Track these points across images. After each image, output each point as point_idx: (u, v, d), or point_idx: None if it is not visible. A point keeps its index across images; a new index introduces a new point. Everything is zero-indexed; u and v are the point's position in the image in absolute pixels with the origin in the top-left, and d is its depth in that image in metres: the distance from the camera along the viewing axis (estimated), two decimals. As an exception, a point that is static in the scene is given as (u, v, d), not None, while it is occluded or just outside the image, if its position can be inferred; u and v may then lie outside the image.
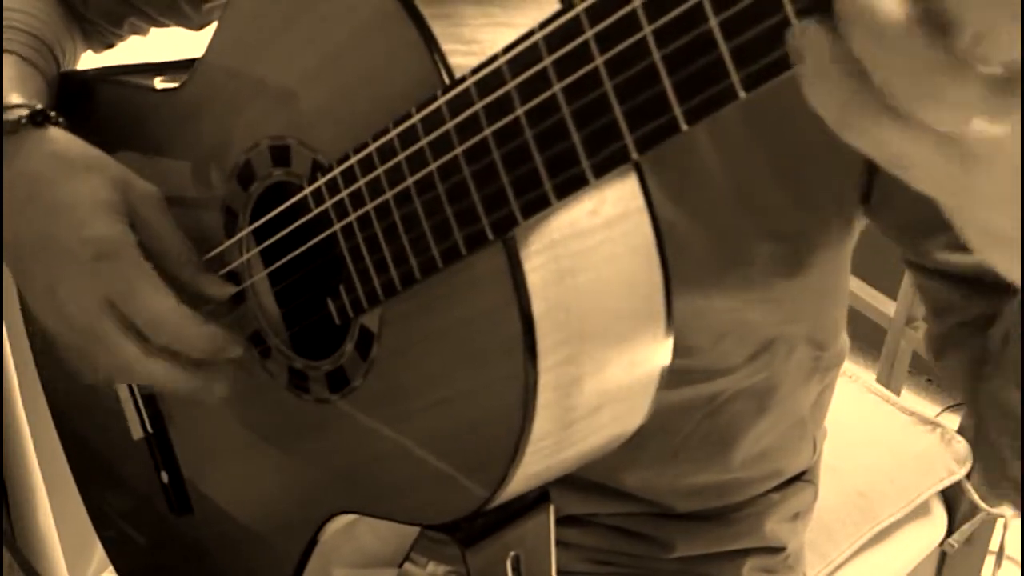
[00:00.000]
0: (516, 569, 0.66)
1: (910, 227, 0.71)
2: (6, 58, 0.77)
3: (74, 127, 0.72)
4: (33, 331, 0.96)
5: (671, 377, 0.63)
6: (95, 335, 0.66)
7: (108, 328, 0.66)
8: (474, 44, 0.56)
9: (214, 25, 0.70)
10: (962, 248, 0.46)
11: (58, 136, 0.70)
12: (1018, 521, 1.31)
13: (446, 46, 0.54)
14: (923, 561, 1.25)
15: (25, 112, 0.70)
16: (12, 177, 0.69)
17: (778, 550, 0.97)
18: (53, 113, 0.71)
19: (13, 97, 0.71)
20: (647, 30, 0.42)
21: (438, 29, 0.55)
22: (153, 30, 0.94)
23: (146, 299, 0.65)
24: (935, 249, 0.70)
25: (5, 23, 0.80)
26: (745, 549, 0.95)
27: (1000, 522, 1.28)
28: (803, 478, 0.98)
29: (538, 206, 0.50)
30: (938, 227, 0.64)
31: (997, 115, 0.35)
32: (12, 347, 1.26)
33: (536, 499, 0.67)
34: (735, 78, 0.40)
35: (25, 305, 0.95)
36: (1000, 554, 1.30)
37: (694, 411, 0.86)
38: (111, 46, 0.96)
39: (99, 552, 1.33)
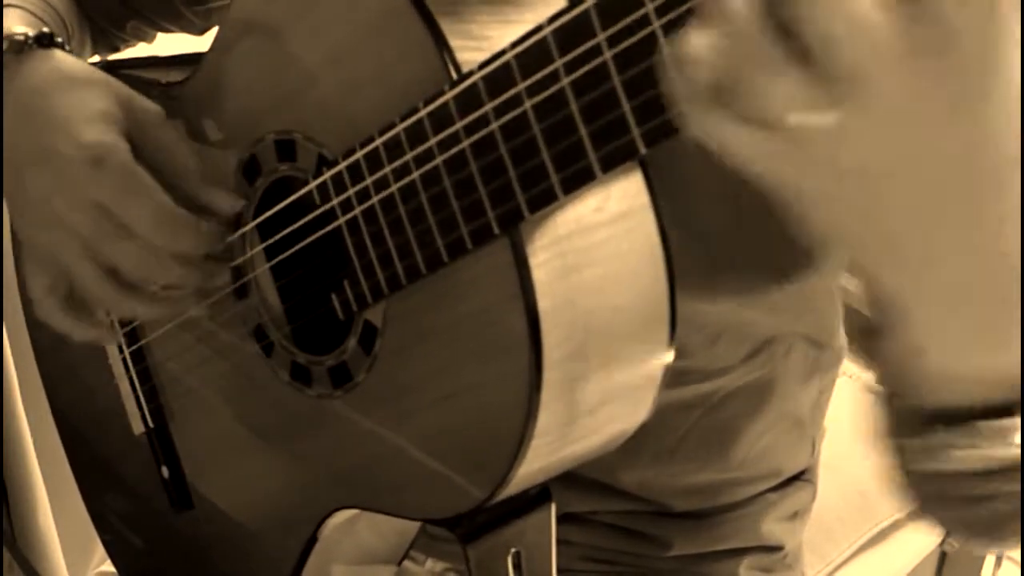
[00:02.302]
0: (517, 566, 0.66)
1: None
2: (14, 12, 0.77)
3: None
4: (35, 329, 0.96)
5: (667, 378, 0.63)
6: (88, 245, 0.66)
7: (102, 233, 0.65)
8: (483, 40, 0.56)
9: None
10: None
11: (62, 56, 0.70)
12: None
13: (454, 42, 0.55)
14: (923, 561, 1.25)
15: (32, 33, 0.70)
16: (15, 94, 0.69)
17: (776, 549, 0.97)
18: (60, 39, 0.71)
19: (19, 26, 0.72)
20: (656, 25, 0.42)
21: (446, 25, 0.55)
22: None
23: (142, 198, 0.65)
24: None
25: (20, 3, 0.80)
26: (743, 548, 0.94)
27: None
28: (802, 478, 0.98)
29: (545, 200, 0.50)
30: None
31: (815, 108, 0.36)
32: (12, 347, 1.26)
33: (537, 496, 0.67)
34: None
35: (28, 305, 0.95)
36: (1000, 554, 1.30)
37: (691, 409, 0.86)
38: (116, 50, 0.96)
39: (99, 552, 1.32)
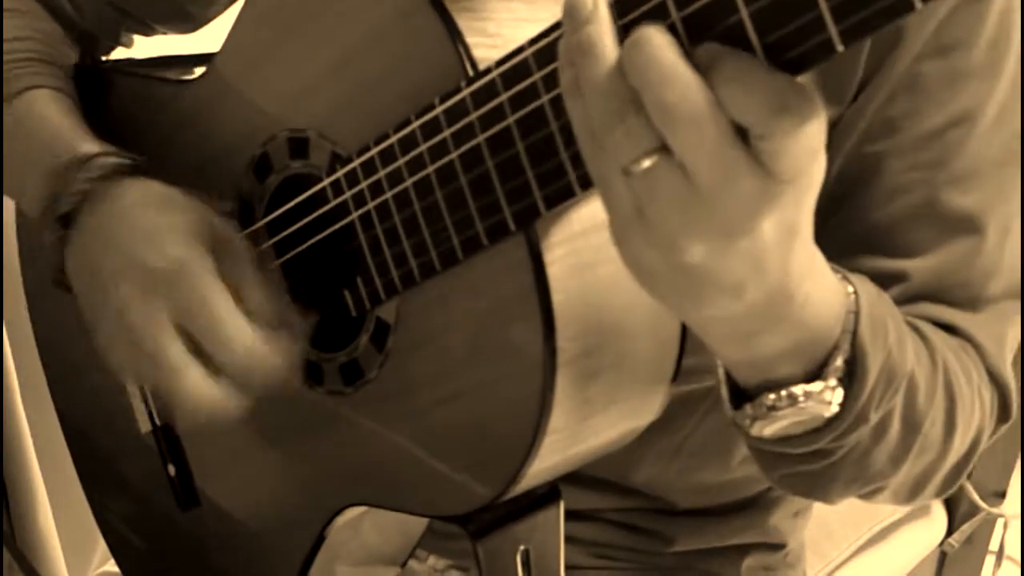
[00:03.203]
0: (525, 563, 0.66)
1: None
2: (43, 94, 0.79)
3: (90, 120, 0.72)
4: (40, 327, 0.96)
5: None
6: (159, 355, 0.65)
7: (174, 347, 0.64)
8: (498, 38, 0.56)
9: (219, 20, 0.70)
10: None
11: (148, 181, 0.71)
12: (1018, 521, 1.31)
13: (470, 39, 0.55)
14: (923, 561, 1.25)
15: (119, 161, 0.72)
16: (104, 216, 0.70)
17: (778, 547, 0.97)
18: (140, 164, 0.72)
19: (92, 144, 0.73)
20: (675, 16, 0.42)
21: (463, 22, 0.55)
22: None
23: (221, 315, 0.64)
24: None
25: (19, 55, 0.81)
26: (746, 545, 0.95)
27: (1000, 522, 1.29)
28: (804, 477, 0.98)
29: (562, 197, 0.50)
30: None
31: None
32: (12, 347, 1.26)
33: (547, 494, 0.67)
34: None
35: (32, 304, 0.95)
36: (1000, 554, 1.31)
37: (697, 406, 0.86)
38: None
39: (99, 552, 1.32)
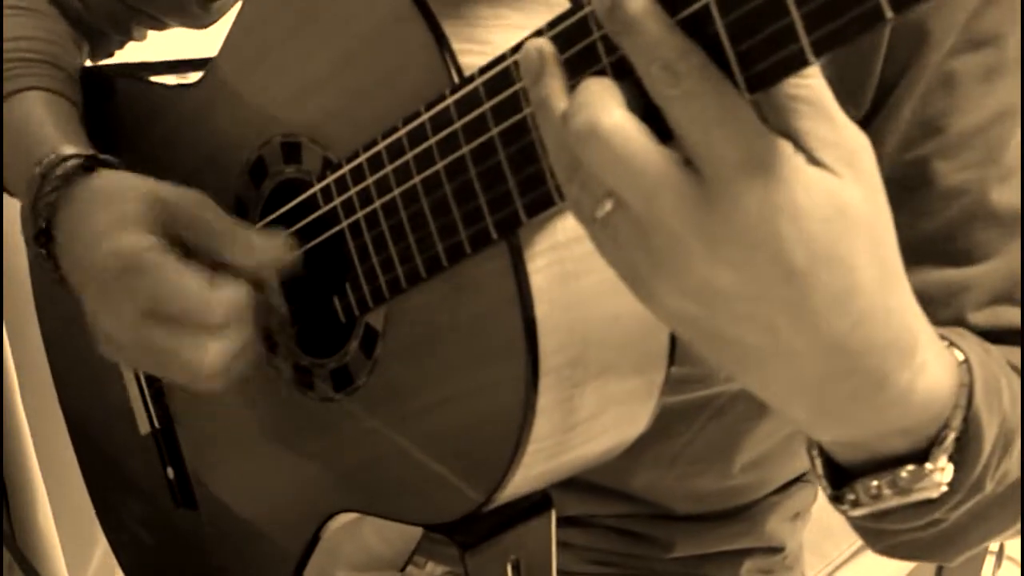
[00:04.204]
0: (516, 573, 0.66)
1: None
2: (34, 95, 0.78)
3: (91, 122, 0.72)
4: (46, 326, 0.96)
5: (670, 384, 0.63)
6: (148, 349, 0.65)
7: (157, 336, 0.64)
8: (487, 45, 0.56)
9: (221, 22, 0.70)
10: None
11: (101, 175, 0.70)
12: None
13: (457, 45, 0.55)
14: (923, 561, 1.25)
15: (76, 161, 0.71)
16: (68, 224, 0.70)
17: (777, 550, 0.97)
18: (103, 156, 0.72)
19: (66, 147, 0.73)
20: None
21: (450, 29, 0.55)
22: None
23: (176, 288, 0.64)
24: None
25: (20, 55, 0.81)
26: (744, 549, 0.95)
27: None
28: (803, 478, 0.98)
29: (542, 206, 0.50)
30: None
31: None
32: (12, 347, 1.26)
33: (537, 503, 0.67)
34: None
35: (39, 305, 0.96)
36: (1000, 554, 1.31)
37: (696, 415, 0.86)
38: (111, 55, 0.95)
39: (99, 552, 1.33)
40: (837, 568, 1.19)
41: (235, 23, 0.69)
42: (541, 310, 0.54)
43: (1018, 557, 1.40)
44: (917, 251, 0.67)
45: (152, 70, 0.83)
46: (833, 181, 0.41)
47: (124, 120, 0.81)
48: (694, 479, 0.89)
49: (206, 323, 0.64)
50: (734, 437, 0.88)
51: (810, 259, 0.41)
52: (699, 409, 0.85)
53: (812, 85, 0.41)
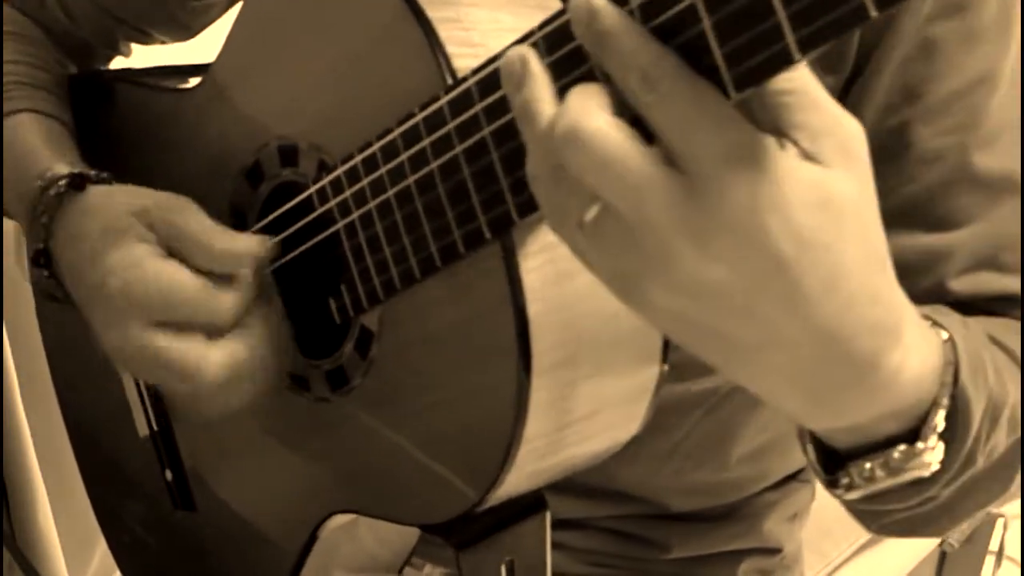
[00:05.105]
0: (511, 573, 0.66)
1: None
2: (24, 119, 0.78)
3: (89, 127, 0.72)
4: (46, 329, 0.96)
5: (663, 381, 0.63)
6: (156, 360, 0.64)
7: (162, 343, 0.64)
8: (481, 48, 0.56)
9: (214, 30, 0.70)
10: None
11: (92, 193, 0.70)
12: (1018, 521, 1.31)
13: (451, 48, 0.55)
14: (923, 561, 1.24)
15: (68, 180, 0.71)
16: (65, 244, 0.70)
17: (775, 551, 0.97)
18: (93, 173, 0.72)
19: (58, 167, 0.72)
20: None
21: (444, 32, 0.55)
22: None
23: (179, 293, 0.63)
24: None
25: (14, 80, 0.81)
26: (741, 550, 0.95)
27: (1000, 522, 1.28)
28: (800, 478, 0.98)
29: (534, 206, 0.50)
30: None
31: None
32: (12, 347, 1.26)
33: (531, 503, 0.67)
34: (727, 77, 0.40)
35: (40, 311, 0.96)
36: (1000, 554, 1.30)
37: (692, 409, 0.86)
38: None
39: (99, 552, 1.33)
40: (837, 568, 1.18)
41: (234, 27, 0.69)
42: (534, 310, 0.54)
43: (1018, 557, 1.40)
44: (898, 216, 0.67)
45: (148, 76, 0.83)
46: (818, 171, 0.42)
47: (122, 126, 0.81)
48: (690, 473, 0.89)
49: (215, 324, 0.64)
50: (731, 429, 0.88)
51: (797, 248, 0.41)
52: (696, 403, 0.86)
53: (798, 76, 0.42)
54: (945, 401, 0.52)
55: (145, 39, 0.91)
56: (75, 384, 0.96)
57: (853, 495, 0.55)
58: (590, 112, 0.42)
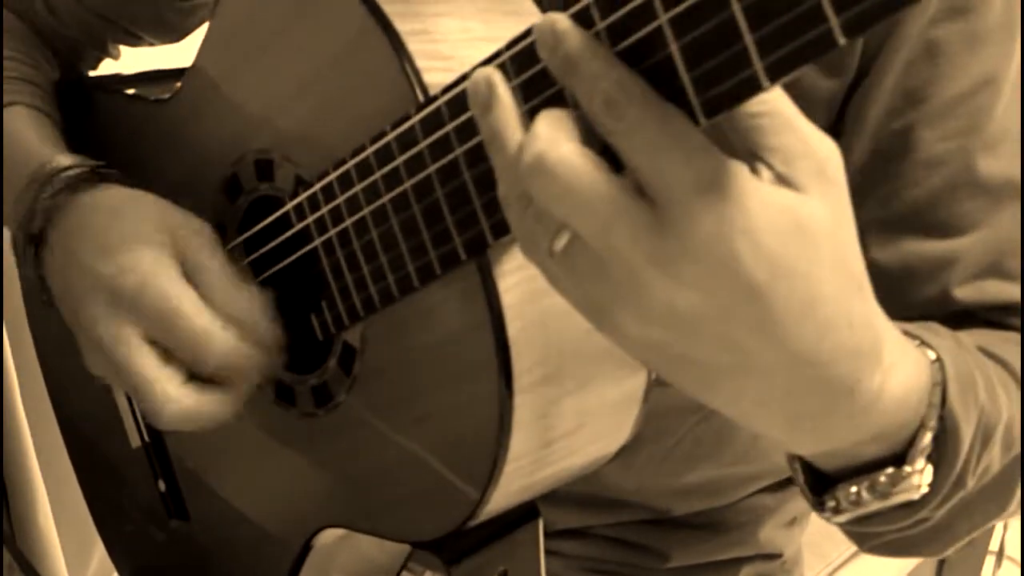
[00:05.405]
0: (504, 584, 0.66)
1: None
2: (18, 111, 0.78)
3: (74, 136, 0.71)
4: (39, 339, 0.96)
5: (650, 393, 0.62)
6: (129, 372, 0.64)
7: (142, 359, 0.63)
8: (453, 60, 0.55)
9: (201, 31, 0.69)
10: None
11: (113, 187, 0.69)
12: (1018, 521, 1.30)
13: (421, 63, 0.54)
14: (923, 562, 1.24)
15: (81, 170, 0.70)
16: (69, 231, 0.69)
17: (775, 556, 0.96)
18: (107, 170, 0.71)
19: (61, 158, 0.71)
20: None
21: (414, 46, 0.54)
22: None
23: (188, 322, 0.62)
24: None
25: (7, 74, 0.80)
26: (742, 557, 0.94)
27: (1000, 522, 1.28)
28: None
29: (508, 228, 0.49)
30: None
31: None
32: (12, 347, 1.26)
33: (524, 513, 0.66)
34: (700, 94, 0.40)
35: (31, 309, 0.95)
36: (1000, 554, 1.30)
37: (688, 414, 0.86)
38: (85, 73, 0.95)
39: (99, 552, 1.33)
40: (837, 569, 1.18)
41: (206, 38, 0.68)
42: (514, 328, 0.54)
43: (1018, 557, 1.39)
44: (902, 222, 0.67)
45: (132, 82, 0.82)
46: (791, 196, 0.41)
47: (102, 137, 0.80)
48: (687, 474, 0.89)
49: (196, 365, 0.63)
50: (726, 431, 0.88)
51: (770, 274, 0.41)
52: (694, 408, 0.85)
53: (772, 98, 0.41)
54: (932, 423, 0.51)
55: (134, 41, 0.91)
56: (68, 394, 0.96)
57: (841, 518, 0.54)
58: (556, 141, 0.41)
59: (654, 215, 0.40)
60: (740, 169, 0.40)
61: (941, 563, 1.27)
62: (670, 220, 0.40)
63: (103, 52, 0.91)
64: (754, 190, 0.40)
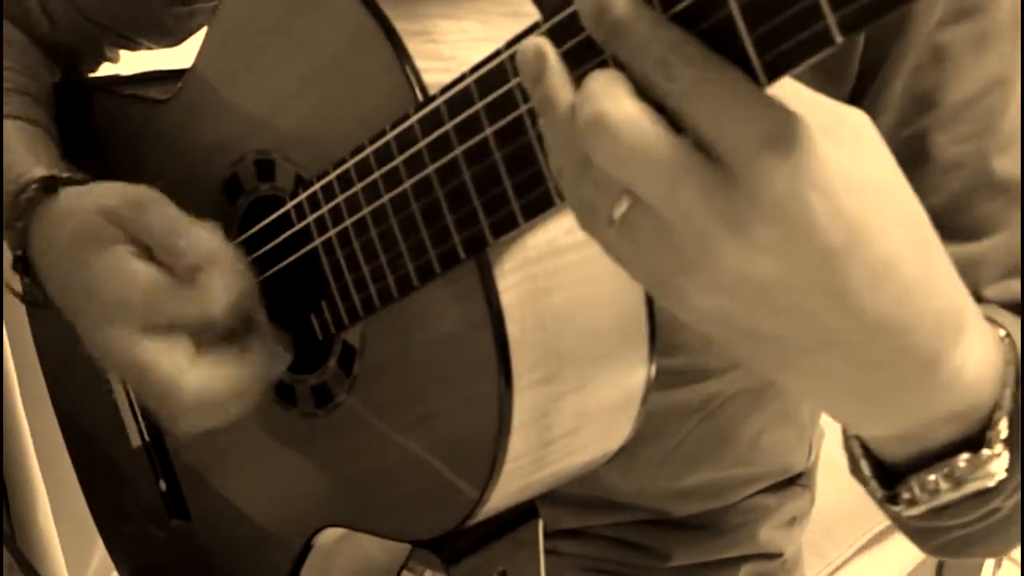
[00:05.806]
0: (504, 583, 0.66)
1: None
2: (9, 124, 0.77)
3: (71, 138, 0.71)
4: (40, 338, 0.96)
5: (664, 378, 0.62)
6: (141, 373, 0.62)
7: (148, 348, 0.62)
8: (452, 61, 0.55)
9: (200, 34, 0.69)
10: None
11: (64, 196, 0.68)
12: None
13: (420, 63, 0.54)
14: (923, 562, 1.24)
15: (38, 185, 0.69)
16: (41, 250, 0.68)
17: (775, 556, 0.96)
18: (66, 174, 0.70)
19: (35, 170, 0.70)
20: (608, 54, 0.41)
21: (413, 46, 0.54)
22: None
23: (160, 293, 0.61)
24: None
25: None
26: (742, 556, 0.94)
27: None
28: (799, 483, 0.98)
29: (507, 227, 0.50)
30: None
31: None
32: (12, 347, 1.26)
33: (523, 513, 0.66)
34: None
35: (31, 309, 0.95)
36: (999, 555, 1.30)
37: (689, 416, 0.86)
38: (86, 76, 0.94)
39: (99, 552, 1.33)
40: (837, 569, 1.18)
41: (206, 39, 0.68)
42: (513, 328, 0.54)
43: (1018, 557, 1.39)
44: None
45: (133, 83, 0.82)
46: (854, 155, 0.39)
47: (102, 138, 0.80)
48: (687, 476, 0.89)
49: (204, 319, 0.61)
50: (726, 433, 0.88)
51: (848, 236, 0.38)
52: (695, 409, 0.85)
53: (788, 83, 0.39)
54: (1008, 403, 0.48)
55: (131, 45, 0.90)
56: (69, 392, 0.96)
57: (914, 511, 0.51)
58: (616, 97, 0.39)
59: (722, 173, 0.38)
60: (807, 123, 0.38)
61: (941, 564, 1.27)
62: (740, 179, 0.38)
63: (101, 56, 0.91)
64: (824, 145, 0.38)
